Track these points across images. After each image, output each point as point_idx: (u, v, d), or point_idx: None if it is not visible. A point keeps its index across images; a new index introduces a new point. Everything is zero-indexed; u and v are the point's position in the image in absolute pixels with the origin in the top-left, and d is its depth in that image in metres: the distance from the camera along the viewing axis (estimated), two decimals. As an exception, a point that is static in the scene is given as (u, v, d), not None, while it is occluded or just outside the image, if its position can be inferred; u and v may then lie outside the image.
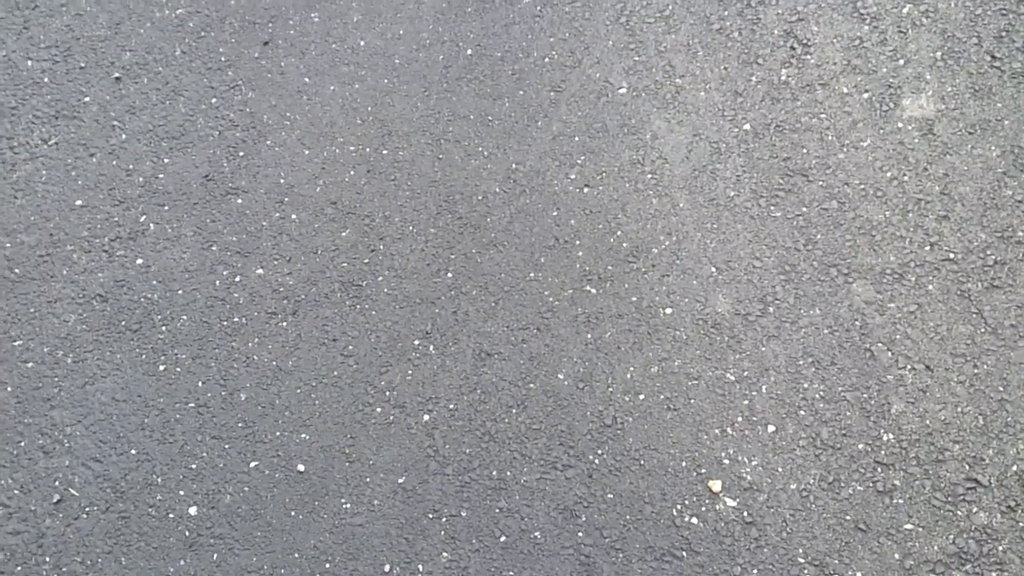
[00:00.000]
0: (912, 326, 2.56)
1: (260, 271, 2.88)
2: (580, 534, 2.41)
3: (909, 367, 2.51)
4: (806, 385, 2.52)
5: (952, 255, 2.64)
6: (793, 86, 2.97)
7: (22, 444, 2.65)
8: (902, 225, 2.70)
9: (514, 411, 2.60)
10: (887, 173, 2.78)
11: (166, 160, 3.09)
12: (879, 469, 2.40)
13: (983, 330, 2.53)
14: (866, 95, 2.91)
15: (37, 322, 2.84)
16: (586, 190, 2.90)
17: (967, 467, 2.37)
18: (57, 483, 2.60)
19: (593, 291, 2.74)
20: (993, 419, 2.42)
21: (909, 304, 2.59)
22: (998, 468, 2.36)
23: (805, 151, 2.85)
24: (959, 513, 2.33)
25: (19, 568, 2.49)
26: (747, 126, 2.92)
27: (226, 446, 2.62)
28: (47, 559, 2.49)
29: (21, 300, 2.87)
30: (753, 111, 2.95)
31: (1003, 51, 2.92)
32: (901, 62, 2.95)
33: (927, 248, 2.66)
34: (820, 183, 2.80)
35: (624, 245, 2.80)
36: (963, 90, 2.87)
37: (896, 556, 2.29)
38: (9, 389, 2.73)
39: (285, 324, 2.79)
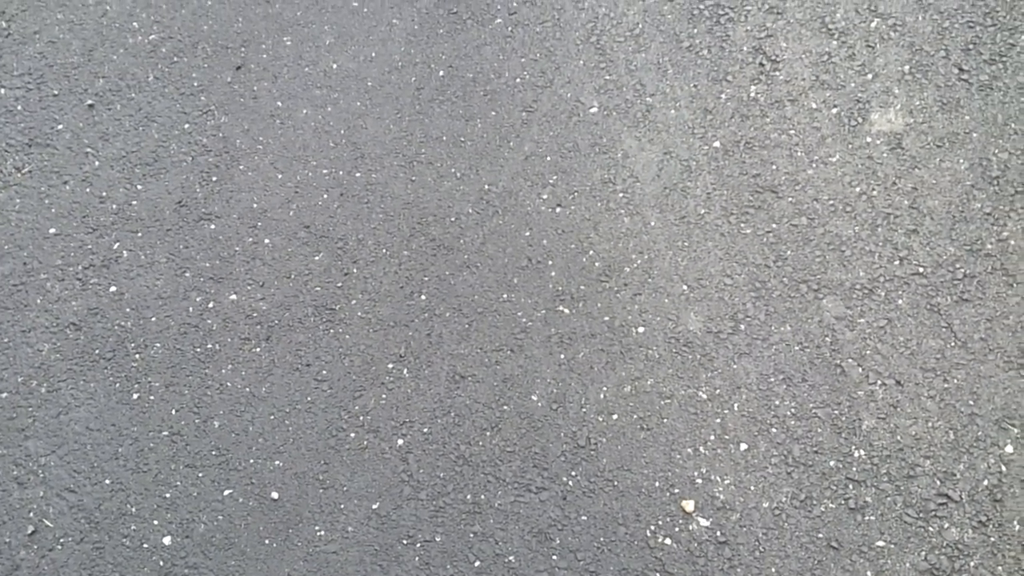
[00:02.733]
0: (882, 341, 2.57)
1: (233, 297, 2.88)
2: (554, 557, 2.42)
3: (879, 382, 2.52)
4: (777, 402, 2.53)
5: (921, 269, 2.65)
6: (762, 103, 2.98)
7: (-3, 475, 2.66)
8: (871, 240, 2.71)
9: (488, 434, 2.60)
10: (856, 188, 2.79)
11: (139, 187, 3.09)
12: (851, 486, 2.40)
13: (953, 344, 2.54)
14: (835, 110, 2.92)
15: (11, 351, 2.83)
16: (558, 210, 2.91)
17: (938, 482, 2.38)
18: (31, 514, 2.60)
19: (566, 311, 2.75)
20: (963, 434, 2.43)
21: (879, 319, 2.60)
22: (969, 483, 2.37)
23: (775, 167, 2.86)
24: (931, 529, 2.33)
25: (-7, 601, 2.49)
26: (717, 143, 2.93)
27: (200, 474, 2.62)
28: (21, 591, 2.49)
29: (-5, 330, 2.87)
30: (723, 128, 2.96)
31: (971, 64, 2.93)
32: (869, 76, 2.96)
33: (896, 263, 2.67)
34: (790, 199, 2.81)
35: (596, 265, 2.80)
36: (931, 103, 2.89)
37: (868, 574, 2.30)
38: (-17, 420, 2.74)
39: (259, 350, 2.79)
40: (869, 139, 2.86)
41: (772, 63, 3.05)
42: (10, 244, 3.01)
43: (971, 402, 2.46)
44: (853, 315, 2.62)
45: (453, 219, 2.95)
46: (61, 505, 2.59)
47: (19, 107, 3.29)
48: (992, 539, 2.30)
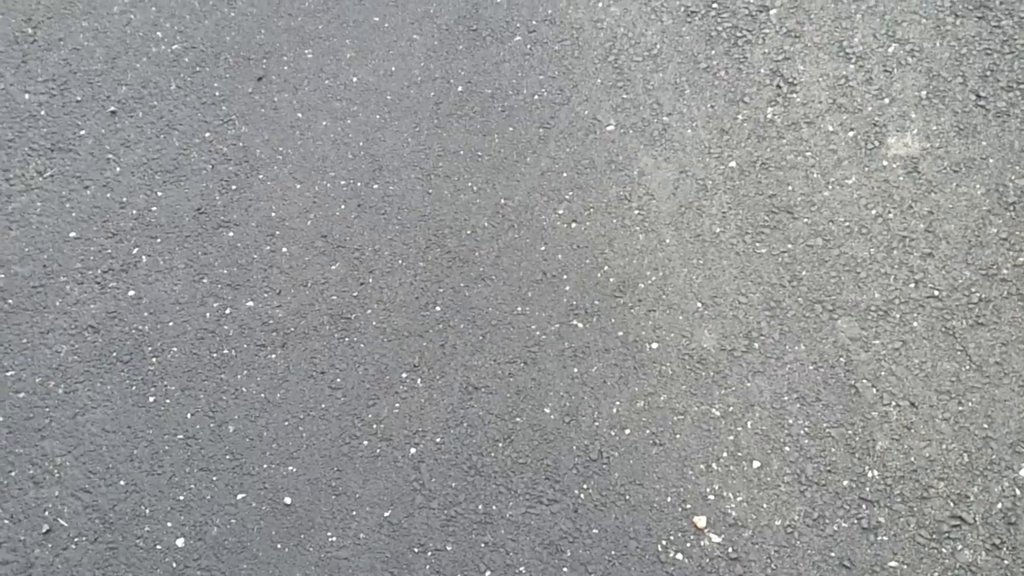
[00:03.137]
0: (897, 363, 2.58)
1: (250, 303, 2.90)
2: (565, 569, 2.42)
3: (894, 404, 2.52)
4: (791, 421, 2.54)
5: (937, 292, 2.66)
6: (779, 124, 3.00)
7: (12, 474, 2.66)
8: (887, 262, 2.72)
9: (500, 445, 2.61)
10: (872, 211, 2.81)
11: (159, 193, 3.12)
12: (864, 506, 2.41)
13: (968, 367, 2.55)
14: (851, 133, 2.95)
15: (29, 352, 2.85)
16: (574, 225, 2.93)
17: (952, 504, 2.38)
18: (47, 513, 2.60)
19: (580, 325, 2.76)
20: (978, 456, 2.43)
21: (894, 341, 2.61)
22: (983, 506, 2.37)
23: (790, 188, 2.88)
24: (944, 551, 2.33)
25: (4, 600, 2.49)
26: (733, 163, 2.96)
27: (214, 478, 2.62)
28: (32, 591, 2.50)
29: (14, 330, 2.89)
30: (739, 149, 2.98)
31: (987, 90, 2.96)
32: (886, 101, 2.98)
33: (912, 285, 2.68)
34: (805, 220, 2.82)
35: (611, 280, 2.82)
36: (948, 129, 2.91)
37: (879, 593, 2.30)
38: (0, 419, 2.75)
39: (274, 356, 2.80)
40: (885, 162, 2.88)
41: (789, 85, 3.07)
42: (31, 247, 3.03)
43: (985, 425, 2.47)
44: (868, 336, 2.63)
45: (469, 232, 2.97)
46: (76, 505, 2.60)
47: (42, 112, 3.32)
48: (1006, 562, 2.29)
